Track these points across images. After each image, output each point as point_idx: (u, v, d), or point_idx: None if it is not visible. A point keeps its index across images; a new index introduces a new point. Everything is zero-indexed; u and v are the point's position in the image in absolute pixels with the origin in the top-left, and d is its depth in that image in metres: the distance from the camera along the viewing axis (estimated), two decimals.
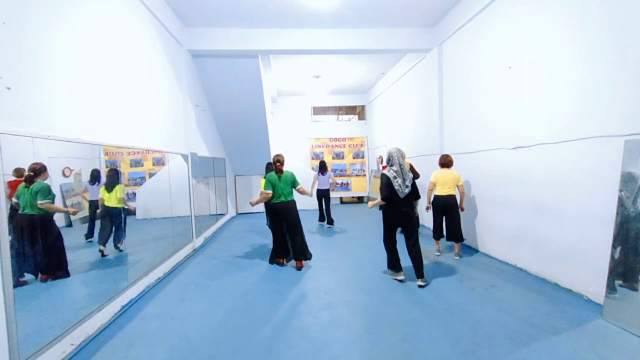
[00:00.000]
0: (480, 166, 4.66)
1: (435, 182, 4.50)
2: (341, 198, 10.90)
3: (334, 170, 11.15)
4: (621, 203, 2.57)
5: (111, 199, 3.53)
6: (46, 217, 2.68)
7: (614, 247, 2.62)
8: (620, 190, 2.57)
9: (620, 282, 2.56)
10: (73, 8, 2.70)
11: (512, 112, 3.98)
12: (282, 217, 4.23)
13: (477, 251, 4.73)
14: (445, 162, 4.56)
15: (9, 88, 2.03)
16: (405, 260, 3.72)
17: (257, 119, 7.35)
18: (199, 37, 5.48)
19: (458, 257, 4.45)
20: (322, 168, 6.97)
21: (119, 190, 3.60)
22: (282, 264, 4.34)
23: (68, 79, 2.59)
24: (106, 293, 3.01)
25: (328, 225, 6.86)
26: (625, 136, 2.62)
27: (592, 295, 2.97)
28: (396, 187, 3.41)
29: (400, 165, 3.46)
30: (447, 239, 4.56)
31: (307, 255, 4.28)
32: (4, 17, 2.03)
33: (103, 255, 3.42)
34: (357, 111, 11.81)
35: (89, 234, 3.36)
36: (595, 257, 2.91)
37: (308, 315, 2.90)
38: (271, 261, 4.42)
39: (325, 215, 6.96)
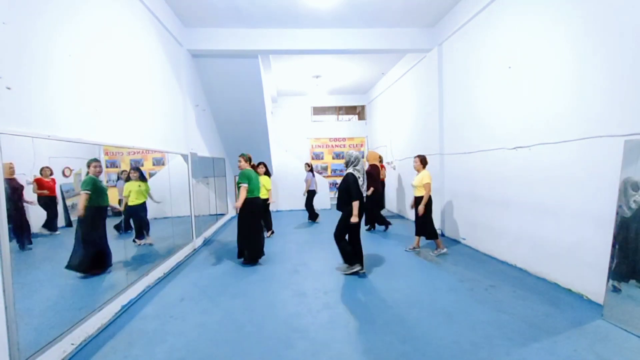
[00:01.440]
0: (480, 166, 4.66)
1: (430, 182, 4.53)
2: None
3: (334, 171, 11.21)
4: (621, 204, 2.57)
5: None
6: (102, 208, 3.15)
7: (613, 247, 2.62)
8: (620, 206, 2.56)
9: (634, 281, 2.50)
10: (73, 8, 2.70)
11: (512, 112, 3.98)
12: (255, 213, 4.41)
13: (476, 251, 4.73)
14: (426, 162, 4.66)
15: (9, 88, 2.04)
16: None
17: (257, 119, 7.36)
18: (199, 37, 5.48)
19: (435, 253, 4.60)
20: (312, 170, 7.59)
21: (145, 186, 4.04)
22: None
23: (68, 79, 2.59)
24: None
25: (317, 221, 7.50)
26: (625, 136, 2.62)
27: (592, 295, 2.97)
28: (360, 184, 3.77)
29: (361, 166, 3.84)
30: (420, 234, 4.70)
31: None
32: (4, 17, 2.03)
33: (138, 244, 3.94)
34: (357, 111, 11.80)
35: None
36: (595, 257, 2.91)
37: (307, 315, 2.90)
38: (245, 260, 4.45)
39: (314, 213, 7.60)
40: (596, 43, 2.88)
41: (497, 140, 4.27)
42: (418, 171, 4.63)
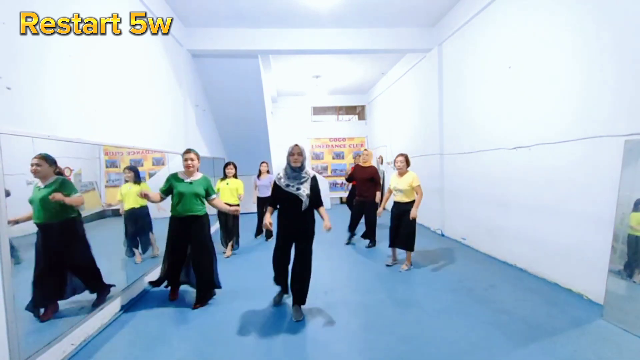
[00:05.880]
0: (480, 166, 4.65)
1: None
2: (341, 198, 10.90)
3: (334, 170, 11.20)
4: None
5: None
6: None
7: (613, 247, 2.62)
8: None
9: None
10: (73, 8, 2.69)
11: (512, 112, 3.98)
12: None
13: (476, 251, 4.73)
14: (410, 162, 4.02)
15: (9, 88, 2.03)
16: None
17: (257, 119, 7.36)
18: (199, 37, 5.48)
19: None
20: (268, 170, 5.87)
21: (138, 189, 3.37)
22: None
23: (68, 79, 2.59)
24: None
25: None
26: (625, 136, 2.61)
27: (592, 295, 2.96)
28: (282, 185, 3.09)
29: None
30: (405, 246, 3.95)
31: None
32: (3, 17, 2.03)
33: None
34: (357, 111, 11.81)
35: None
36: (595, 257, 2.91)
37: (307, 315, 2.89)
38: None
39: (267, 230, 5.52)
40: (596, 43, 2.88)
41: (496, 140, 4.26)
42: (402, 173, 3.88)
